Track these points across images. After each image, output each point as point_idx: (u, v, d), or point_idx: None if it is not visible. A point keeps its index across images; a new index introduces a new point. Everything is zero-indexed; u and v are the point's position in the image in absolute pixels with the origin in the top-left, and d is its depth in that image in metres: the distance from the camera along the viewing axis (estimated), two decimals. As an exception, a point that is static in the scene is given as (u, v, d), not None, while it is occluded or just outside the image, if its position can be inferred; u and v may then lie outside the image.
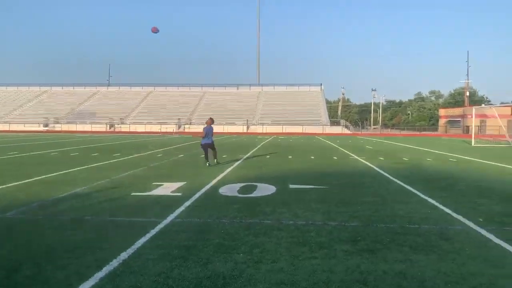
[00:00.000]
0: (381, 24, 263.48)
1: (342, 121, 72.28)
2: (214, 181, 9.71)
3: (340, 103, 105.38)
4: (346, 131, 63.30)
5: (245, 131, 61.28)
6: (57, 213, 6.31)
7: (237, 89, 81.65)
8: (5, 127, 62.68)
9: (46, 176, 10.43)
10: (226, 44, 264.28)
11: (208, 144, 13.27)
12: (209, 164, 12.99)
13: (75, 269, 3.98)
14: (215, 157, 13.68)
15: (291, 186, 9.08)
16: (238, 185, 9.10)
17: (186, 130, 61.04)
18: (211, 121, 13.85)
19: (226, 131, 59.31)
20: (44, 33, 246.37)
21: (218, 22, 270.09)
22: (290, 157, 17.03)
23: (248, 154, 18.51)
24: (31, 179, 9.78)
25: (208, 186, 8.96)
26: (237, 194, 8.00)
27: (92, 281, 3.70)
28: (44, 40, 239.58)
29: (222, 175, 10.92)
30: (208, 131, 13.35)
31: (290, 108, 70.41)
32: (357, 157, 17.02)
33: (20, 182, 9.29)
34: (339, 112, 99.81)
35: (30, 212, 6.37)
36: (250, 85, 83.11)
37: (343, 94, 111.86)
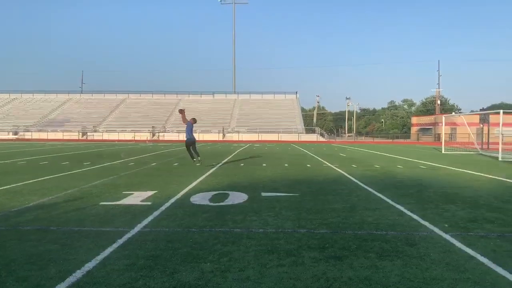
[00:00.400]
0: (354, 33, 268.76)
1: (317, 129, 73.04)
2: (186, 190, 9.63)
3: (315, 111, 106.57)
4: (321, 138, 63.97)
5: (221, 138, 61.17)
6: (21, 224, 6.13)
7: (213, 96, 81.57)
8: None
9: (12, 185, 10.13)
10: (201, 52, 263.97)
11: (191, 140, 15.22)
12: (195, 161, 14.96)
13: (36, 281, 3.87)
14: (192, 156, 15.46)
15: (263, 194, 9.10)
16: (210, 194, 9.06)
17: (161, 138, 60.45)
18: (194, 120, 15.50)
19: (202, 139, 59.03)
20: (15, 37, 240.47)
21: (193, 29, 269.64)
22: (264, 165, 17.07)
23: (223, 162, 18.46)
24: (-5, 189, 9.48)
25: (179, 195, 8.88)
26: (208, 203, 7.96)
27: (53, 293, 3.61)
28: (14, 45, 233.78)
29: (195, 183, 10.84)
30: (188, 128, 15.13)
31: (265, 116, 70.77)
32: (330, 165, 17.20)
33: (-16, 192, 8.99)
34: (315, 119, 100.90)
35: (-7, 223, 6.16)
36: (226, 93, 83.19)
37: (318, 102, 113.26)
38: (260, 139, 59.65)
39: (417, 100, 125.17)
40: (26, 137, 61.08)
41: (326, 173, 13.75)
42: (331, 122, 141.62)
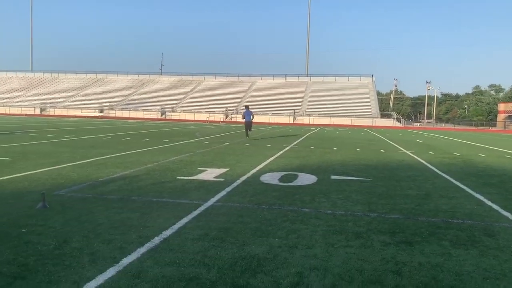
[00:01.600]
0: (437, 13, 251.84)
1: (394, 114, 70.25)
2: (256, 169, 9.84)
3: (392, 95, 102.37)
4: (397, 124, 61.51)
5: (292, 121, 61.10)
6: (106, 193, 6.67)
7: (285, 79, 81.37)
8: (64, 112, 66.18)
9: (98, 158, 11.00)
10: (275, 34, 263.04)
11: (249, 121, 20.58)
12: (248, 138, 20.12)
13: (119, 244, 4.23)
14: (247, 134, 20.65)
15: (333, 177, 9.03)
16: (280, 174, 9.17)
17: (233, 120, 61.73)
18: (247, 107, 21.77)
19: (273, 121, 59.43)
20: (103, 24, 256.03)
21: (268, 13, 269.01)
22: (335, 148, 16.86)
23: (293, 144, 18.51)
24: (84, 161, 10.35)
25: (250, 173, 9.10)
26: (277, 182, 8.08)
27: (134, 255, 3.92)
28: (102, 30, 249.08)
29: (265, 163, 11.03)
30: (247, 113, 20.61)
31: (338, 100, 69.35)
32: (405, 151, 16.56)
33: (74, 163, 9.87)
34: (391, 104, 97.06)
35: (81, 191, 6.77)
36: (298, 75, 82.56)
37: (395, 86, 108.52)
38: (331, 123, 58.73)
39: (506, 86, 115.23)
40: (110, 115, 65.48)
41: (401, 159, 13.27)
42: (409, 107, 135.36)
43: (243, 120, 21.03)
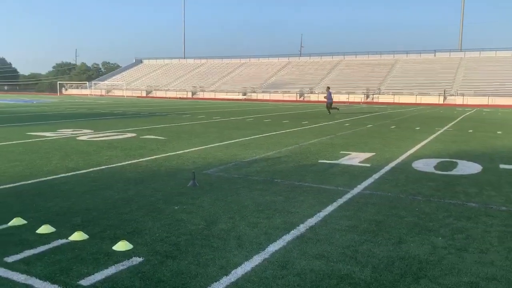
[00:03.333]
0: None
1: None
2: (406, 154, 8.97)
3: None
4: None
5: (441, 102, 55.86)
6: (250, 174, 6.68)
7: (434, 55, 74.50)
8: (211, 95, 71.28)
9: (242, 139, 11.29)
10: (421, 5, 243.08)
11: (330, 102, 25.25)
12: (329, 113, 24.47)
13: (265, 229, 4.06)
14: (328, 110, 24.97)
15: (502, 166, 7.71)
16: (435, 160, 8.18)
17: (375, 100, 59.06)
18: (328, 88, 27.28)
19: (419, 102, 55.19)
20: (244, 10, 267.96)
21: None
22: (499, 132, 14.66)
23: (446, 127, 16.67)
24: (229, 141, 10.72)
25: (399, 159, 8.30)
26: (433, 170, 7.18)
27: (280, 243, 3.70)
28: (244, 16, 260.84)
29: (416, 148, 10.02)
30: (329, 95, 25.36)
31: (499, 77, 60.99)
32: None
33: (221, 143, 10.27)
34: None
35: (227, 171, 6.90)
36: (450, 50, 74.82)
37: None
38: (491, 103, 51.99)
39: None
40: (252, 97, 68.39)
41: None
42: None
43: (326, 100, 25.95)
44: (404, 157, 8.61)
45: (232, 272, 3.11)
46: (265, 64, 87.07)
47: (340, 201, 5.13)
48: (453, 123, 19.20)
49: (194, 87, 76.39)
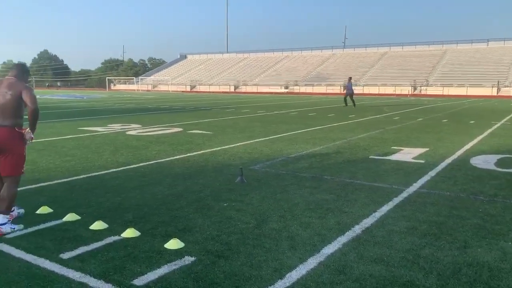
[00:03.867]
0: None
1: None
2: (462, 150, 8.48)
3: None
4: None
5: (495, 94, 53.01)
6: (298, 170, 6.51)
7: (487, 44, 70.76)
8: (254, 89, 71.34)
9: (288, 134, 11.12)
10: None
11: (350, 93, 24.28)
12: (346, 105, 24.18)
13: (318, 229, 3.90)
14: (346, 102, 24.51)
15: None
16: (494, 157, 7.68)
17: (423, 92, 56.98)
18: (350, 78, 25.49)
19: (470, 94, 52.65)
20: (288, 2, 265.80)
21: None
22: (562, 126, 13.64)
23: (503, 121, 15.72)
24: (275, 136, 10.57)
25: (455, 155, 7.86)
26: (494, 167, 6.72)
27: (335, 245, 3.53)
28: (286, 10, 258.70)
29: (473, 143, 9.47)
30: (349, 86, 24.38)
31: (559, 66, 57.09)
32: None
33: (266, 138, 10.15)
34: None
35: (274, 167, 6.76)
36: (504, 39, 70.78)
37: None
38: (549, 94, 48.78)
39: None
40: (295, 90, 67.80)
41: None
42: None
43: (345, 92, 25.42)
44: (461, 152, 8.14)
45: (287, 275, 2.98)
46: (308, 57, 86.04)
47: (396, 200, 4.87)
48: (510, 116, 18.09)
49: (237, 81, 76.73)
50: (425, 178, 5.98)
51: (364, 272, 3.03)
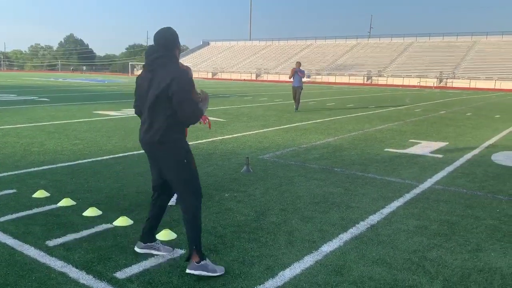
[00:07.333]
0: None
1: None
2: (484, 145, 8.08)
3: None
4: None
5: (525, 88, 51.08)
6: (308, 161, 6.27)
7: (519, 37, 68.15)
8: (275, 77, 70.77)
9: (303, 123, 10.84)
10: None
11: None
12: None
13: (319, 225, 3.68)
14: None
15: None
16: (519, 153, 7.26)
17: (449, 85, 55.44)
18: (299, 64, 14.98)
19: (498, 88, 50.96)
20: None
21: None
22: None
23: (530, 115, 15.04)
24: (289, 125, 10.32)
25: (476, 150, 7.47)
26: (517, 164, 6.34)
27: (336, 242, 3.31)
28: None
29: (496, 138, 9.02)
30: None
31: None
32: None
33: (279, 127, 9.91)
34: None
35: (284, 157, 6.54)
36: (537, 32, 67.98)
37: None
38: None
39: None
40: (317, 80, 66.93)
41: None
42: None
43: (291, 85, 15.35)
44: (482, 148, 7.75)
45: (279, 274, 2.78)
46: (331, 46, 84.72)
47: (407, 196, 4.59)
48: (539, 111, 17.31)
49: (259, 69, 76.25)
50: (442, 173, 5.66)
51: (363, 274, 2.81)
